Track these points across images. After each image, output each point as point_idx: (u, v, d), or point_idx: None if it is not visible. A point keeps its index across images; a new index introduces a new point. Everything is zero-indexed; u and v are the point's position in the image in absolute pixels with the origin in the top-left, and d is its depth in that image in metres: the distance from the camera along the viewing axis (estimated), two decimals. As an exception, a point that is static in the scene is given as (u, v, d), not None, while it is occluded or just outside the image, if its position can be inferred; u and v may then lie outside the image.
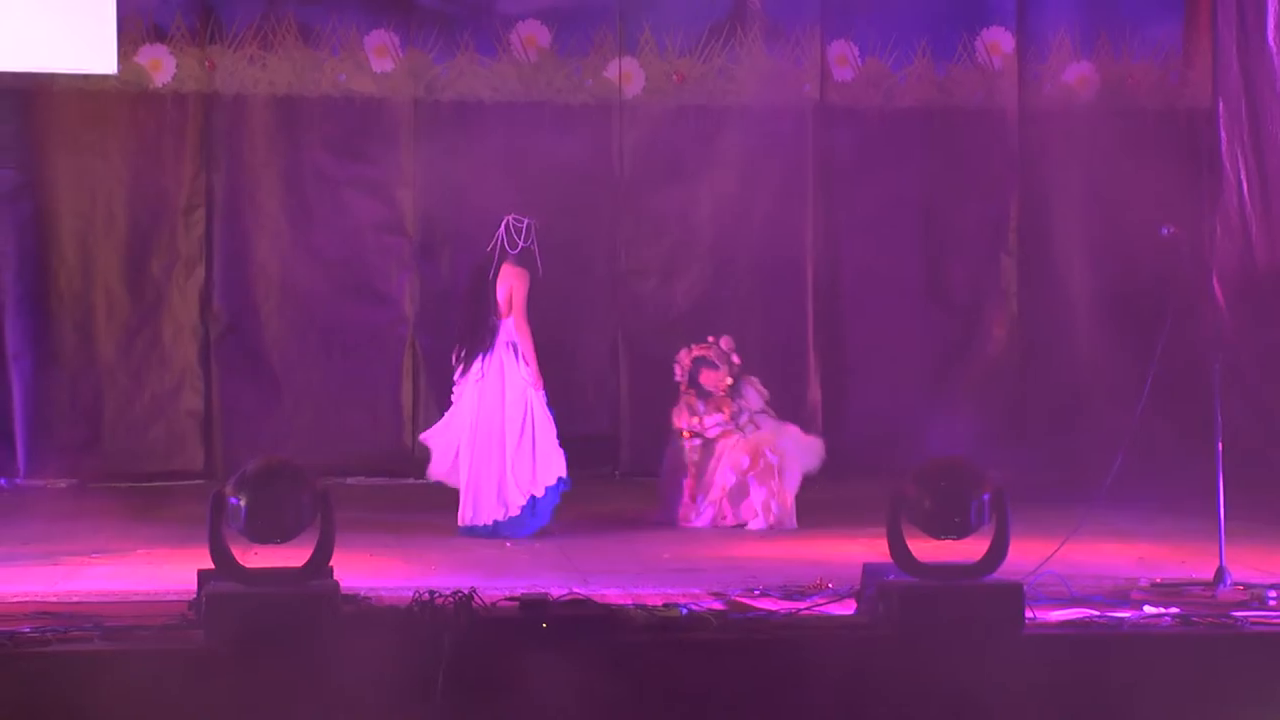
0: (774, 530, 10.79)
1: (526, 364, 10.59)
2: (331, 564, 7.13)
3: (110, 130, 13.05)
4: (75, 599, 7.87)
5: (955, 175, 13.65)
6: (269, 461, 7.11)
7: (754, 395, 11.20)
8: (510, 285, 10.63)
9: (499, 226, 10.67)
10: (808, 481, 11.18)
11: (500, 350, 10.67)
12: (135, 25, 12.87)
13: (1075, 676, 7.05)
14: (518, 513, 10.49)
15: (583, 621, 7.05)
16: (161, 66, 13.05)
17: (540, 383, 10.60)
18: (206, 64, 13.09)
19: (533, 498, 10.52)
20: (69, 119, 12.96)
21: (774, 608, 7.60)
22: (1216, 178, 13.63)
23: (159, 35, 13.03)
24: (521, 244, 10.69)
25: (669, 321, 13.48)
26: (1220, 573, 8.12)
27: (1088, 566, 8.65)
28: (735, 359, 11.21)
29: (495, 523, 10.47)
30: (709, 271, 13.51)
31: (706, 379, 11.19)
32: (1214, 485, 8.33)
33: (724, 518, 10.97)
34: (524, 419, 10.58)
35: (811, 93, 13.55)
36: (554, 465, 10.57)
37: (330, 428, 13.09)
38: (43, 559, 9.25)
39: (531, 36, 13.36)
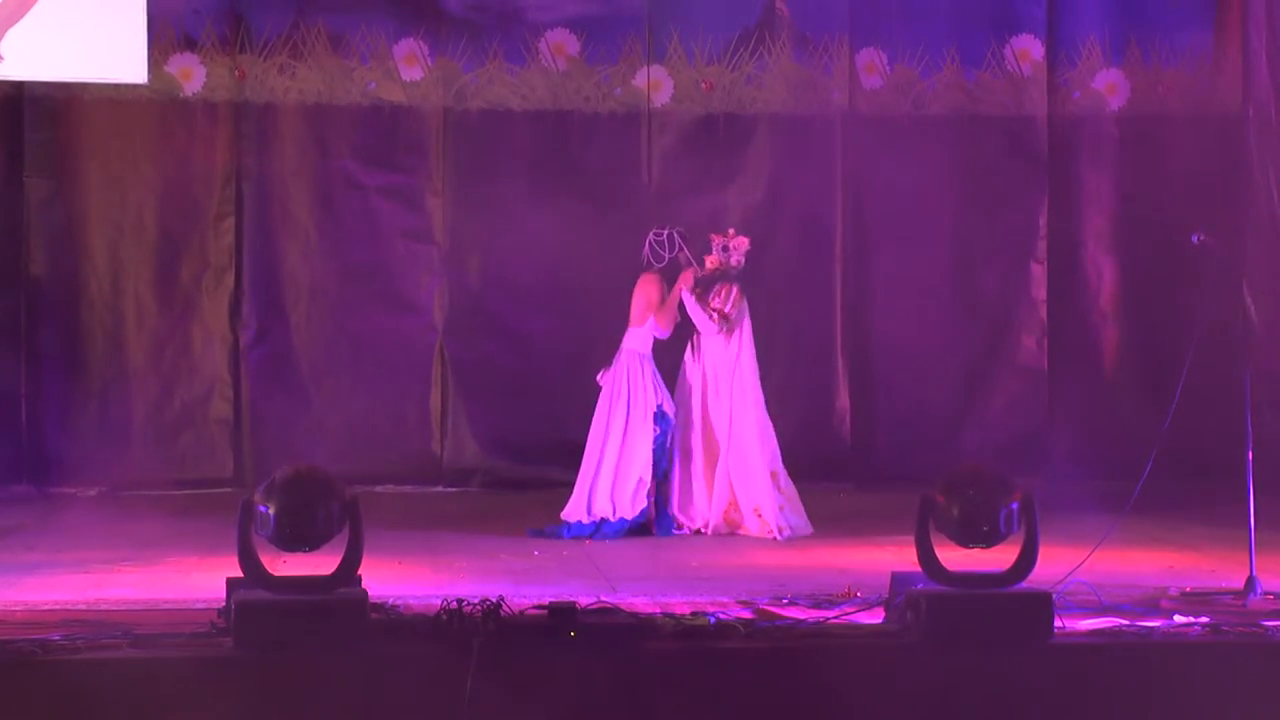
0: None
1: (707, 315, 10.92)
2: (360, 572, 7.15)
3: (141, 139, 13.08)
4: (105, 606, 7.90)
5: (984, 182, 13.61)
6: (298, 469, 7.13)
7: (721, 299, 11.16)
8: (644, 294, 10.96)
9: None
10: (838, 487, 11.17)
11: (621, 359, 10.93)
12: (166, 34, 12.90)
13: (1104, 686, 7.04)
14: (586, 520, 10.67)
15: (611, 630, 7.05)
16: (192, 75, 13.09)
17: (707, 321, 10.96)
18: (236, 73, 13.12)
19: (603, 520, 10.65)
20: (100, 128, 13.00)
21: (802, 616, 7.60)
22: (1247, 185, 13.58)
23: (189, 44, 13.07)
24: (667, 255, 10.88)
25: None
26: (1250, 582, 8.11)
27: (1117, 575, 8.63)
28: (735, 258, 11.12)
29: (564, 523, 10.72)
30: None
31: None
32: (1244, 493, 8.30)
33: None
34: (616, 438, 10.80)
35: (840, 100, 13.53)
36: (627, 500, 10.72)
37: (359, 435, 13.11)
38: (73, 567, 9.28)
39: (560, 45, 13.37)
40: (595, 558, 9.81)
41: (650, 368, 10.97)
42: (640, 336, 10.99)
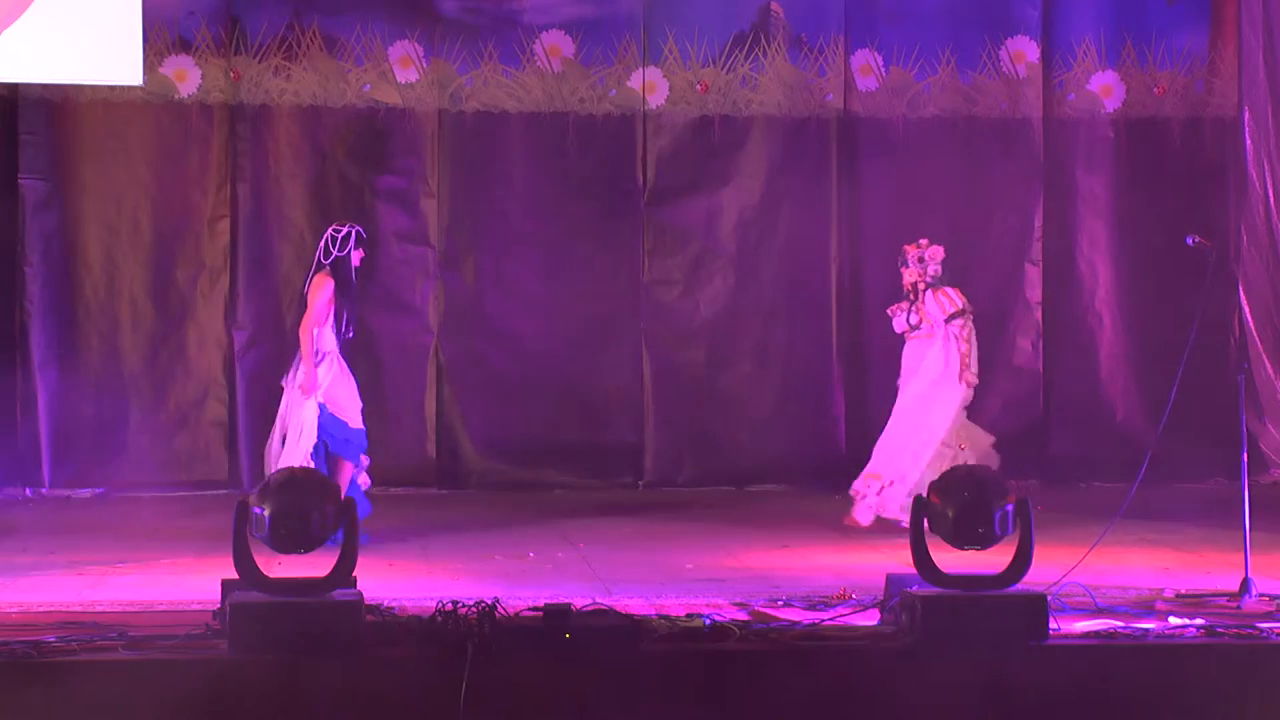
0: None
1: (303, 366, 10.36)
2: (355, 574, 7.15)
3: (136, 141, 13.08)
4: (100, 608, 7.89)
5: (980, 185, 13.62)
6: (293, 471, 7.14)
7: (934, 307, 11.10)
8: (322, 293, 10.39)
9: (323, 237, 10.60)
10: (833, 491, 11.15)
11: (332, 360, 10.51)
12: (161, 36, 12.90)
13: (1099, 687, 7.03)
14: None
15: (606, 632, 7.05)
16: (187, 77, 13.09)
17: (313, 388, 10.36)
18: (231, 74, 13.12)
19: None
20: (95, 130, 12.99)
21: (797, 618, 7.60)
22: (1242, 187, 13.59)
23: (184, 46, 13.06)
24: (336, 253, 10.48)
25: (692, 331, 13.48)
26: (1245, 584, 8.10)
27: (1112, 577, 8.63)
28: (932, 268, 11.07)
29: None
30: (732, 281, 13.50)
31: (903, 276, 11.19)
32: (1239, 495, 8.30)
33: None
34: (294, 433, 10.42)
35: (835, 102, 13.53)
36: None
37: (354, 437, 13.08)
38: (68, 568, 9.28)
39: (555, 46, 13.36)
40: (590, 560, 9.81)
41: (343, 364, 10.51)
42: (318, 336, 10.41)
